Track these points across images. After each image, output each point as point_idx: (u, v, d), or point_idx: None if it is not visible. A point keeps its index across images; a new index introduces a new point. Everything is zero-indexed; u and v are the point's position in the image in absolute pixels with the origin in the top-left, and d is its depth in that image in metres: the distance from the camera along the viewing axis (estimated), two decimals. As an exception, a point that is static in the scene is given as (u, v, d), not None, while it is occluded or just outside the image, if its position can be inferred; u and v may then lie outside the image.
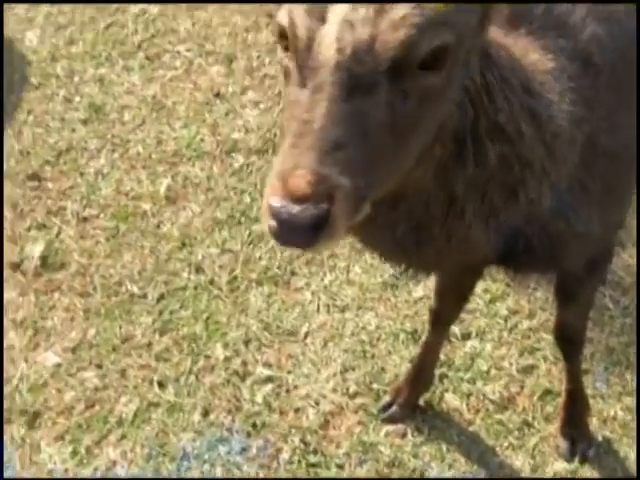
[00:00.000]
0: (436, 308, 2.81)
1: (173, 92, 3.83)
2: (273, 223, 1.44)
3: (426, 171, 1.74)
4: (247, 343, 3.18)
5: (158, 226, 3.46)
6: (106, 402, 3.08)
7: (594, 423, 3.03)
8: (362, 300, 3.27)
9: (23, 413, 3.06)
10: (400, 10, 1.49)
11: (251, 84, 3.84)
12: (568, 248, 2.14)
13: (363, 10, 1.50)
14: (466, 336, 3.16)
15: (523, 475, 2.95)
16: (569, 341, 2.79)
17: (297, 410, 3.05)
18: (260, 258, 3.36)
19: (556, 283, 2.57)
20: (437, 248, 1.93)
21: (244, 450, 2.99)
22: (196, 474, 2.94)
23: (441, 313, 2.82)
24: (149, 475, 2.95)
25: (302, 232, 1.43)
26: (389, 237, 1.90)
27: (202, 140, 3.67)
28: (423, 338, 3.02)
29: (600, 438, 3.02)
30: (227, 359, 3.15)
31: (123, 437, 3.01)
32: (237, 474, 2.94)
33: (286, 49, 1.60)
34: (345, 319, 3.23)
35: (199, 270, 3.35)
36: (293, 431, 3.01)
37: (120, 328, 3.22)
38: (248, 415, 3.04)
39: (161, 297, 3.29)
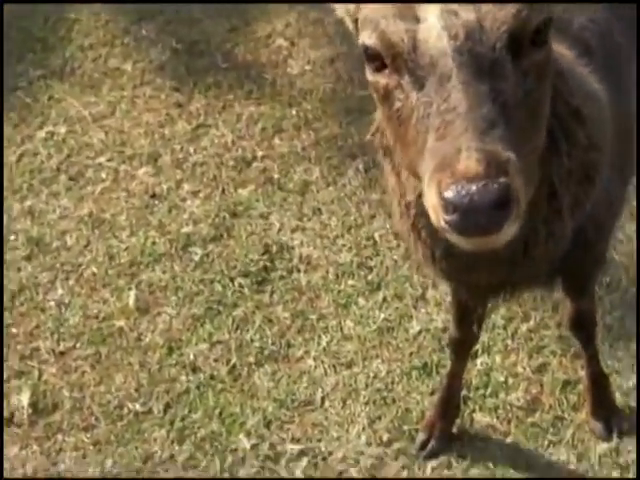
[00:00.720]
0: (458, 336, 2.89)
1: (108, 205, 3.84)
2: (452, 217, 1.39)
3: (535, 163, 1.76)
4: (268, 425, 3.20)
5: (139, 339, 3.45)
6: (149, 526, 3.05)
7: (618, 398, 3.16)
8: (364, 351, 3.33)
9: None
10: None
11: (183, 176, 3.88)
12: (607, 233, 2.27)
13: None
14: (474, 355, 3.25)
15: (572, 466, 3.06)
16: (585, 329, 2.91)
17: (340, 474, 3.09)
18: (252, 340, 3.40)
19: (566, 282, 2.66)
20: (540, 252, 1.98)
21: (303, 529, 3.01)
22: None
23: (464, 340, 2.90)
24: None
25: (489, 213, 1.38)
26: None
27: (154, 243, 3.69)
28: (444, 370, 3.10)
29: (628, 410, 3.16)
30: (254, 447, 3.16)
31: None
32: None
33: (379, 68, 1.61)
34: (354, 374, 3.29)
35: (196, 369, 3.36)
36: (344, 496, 3.05)
37: (137, 449, 3.19)
38: (294, 495, 3.06)
39: (167, 407, 3.28)
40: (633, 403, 3.17)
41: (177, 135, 4.01)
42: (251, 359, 3.36)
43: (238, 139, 3.95)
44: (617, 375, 3.22)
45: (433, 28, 1.53)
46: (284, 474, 3.10)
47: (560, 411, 3.15)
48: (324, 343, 3.36)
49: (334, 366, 3.31)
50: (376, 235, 3.60)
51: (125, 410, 3.29)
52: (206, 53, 4.29)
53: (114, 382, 3.36)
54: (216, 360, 3.37)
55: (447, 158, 1.42)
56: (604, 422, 3.11)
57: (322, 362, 3.32)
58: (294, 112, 4.02)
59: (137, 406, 3.29)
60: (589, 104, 1.98)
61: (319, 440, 3.16)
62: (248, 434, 3.19)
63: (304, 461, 3.12)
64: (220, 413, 3.25)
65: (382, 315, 3.40)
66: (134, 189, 3.88)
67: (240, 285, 3.53)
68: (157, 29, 4.40)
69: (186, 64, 4.26)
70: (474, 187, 1.37)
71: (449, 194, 1.39)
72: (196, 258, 3.63)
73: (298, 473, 3.10)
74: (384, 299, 3.44)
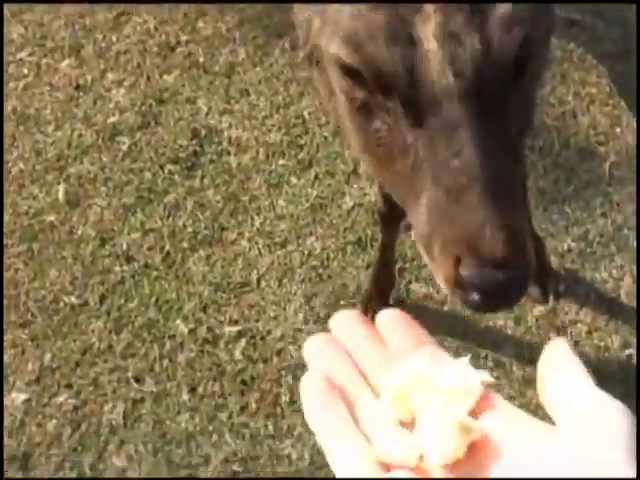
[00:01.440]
0: (386, 209, 2.83)
1: (32, 100, 3.72)
2: (471, 296, 1.28)
3: None
4: (205, 309, 3.17)
5: (71, 232, 3.39)
6: (91, 417, 3.03)
7: (554, 261, 3.15)
8: (298, 229, 3.29)
9: (13, 459, 2.98)
10: (504, 7, 1.28)
11: (107, 66, 3.76)
12: None
13: (459, 16, 1.27)
14: (408, 227, 3.21)
15: (509, 331, 3.05)
16: None
17: (279, 352, 3.07)
18: (184, 226, 3.34)
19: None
20: None
21: (244, 408, 3.00)
22: (208, 448, 2.94)
23: (392, 212, 2.85)
24: (163, 468, 2.94)
25: (510, 295, 1.28)
26: None
27: (80, 135, 3.59)
28: (377, 243, 3.06)
29: (563, 272, 3.15)
30: (192, 331, 3.13)
31: (122, 443, 2.98)
32: (247, 432, 2.95)
33: (357, 81, 1.36)
34: (289, 252, 3.25)
35: (129, 259, 3.30)
36: (283, 373, 3.03)
37: (75, 342, 3.16)
38: (234, 375, 3.04)
39: (102, 298, 3.23)
40: (569, 265, 3.17)
41: (98, 25, 3.88)
42: (185, 245, 3.31)
43: (161, 25, 3.83)
44: (552, 238, 3.21)
45: (434, 58, 1.29)
46: (223, 356, 3.08)
47: (496, 276, 3.13)
48: (257, 224, 3.32)
49: (268, 246, 3.27)
50: (305, 113, 3.52)
51: (61, 304, 3.25)
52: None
53: (48, 277, 3.31)
54: (150, 248, 3.32)
55: (467, 232, 1.27)
56: (540, 285, 3.10)
57: (256, 243, 3.28)
58: (217, -7, 3.90)
59: (73, 299, 3.24)
60: None
61: (257, 320, 3.14)
62: (185, 319, 3.15)
63: (242, 342, 3.10)
64: (156, 301, 3.21)
65: (314, 192, 3.34)
66: (57, 82, 3.76)
67: (170, 172, 3.46)
68: None
69: (103, -49, 4.10)
70: (500, 275, 1.24)
71: (471, 276, 1.26)
72: (124, 147, 3.55)
73: (237, 354, 3.08)
74: (316, 176, 3.39)
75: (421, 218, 1.36)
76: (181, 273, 3.25)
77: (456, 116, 1.28)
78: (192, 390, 3.04)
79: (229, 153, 3.47)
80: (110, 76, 3.74)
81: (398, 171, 1.41)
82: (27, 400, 3.09)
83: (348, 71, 1.37)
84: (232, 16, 3.82)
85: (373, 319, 2.76)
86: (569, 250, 3.19)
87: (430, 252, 1.35)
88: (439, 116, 1.29)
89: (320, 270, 3.20)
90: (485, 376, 0.80)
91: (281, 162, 3.43)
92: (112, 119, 3.62)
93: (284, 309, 3.14)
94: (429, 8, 1.29)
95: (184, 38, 3.78)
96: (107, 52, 3.81)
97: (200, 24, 3.82)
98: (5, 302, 3.26)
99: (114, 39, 3.84)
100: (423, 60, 1.29)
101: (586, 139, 3.42)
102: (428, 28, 1.28)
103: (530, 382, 2.91)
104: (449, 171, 1.28)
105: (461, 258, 1.27)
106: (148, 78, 3.70)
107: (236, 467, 2.93)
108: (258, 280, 3.21)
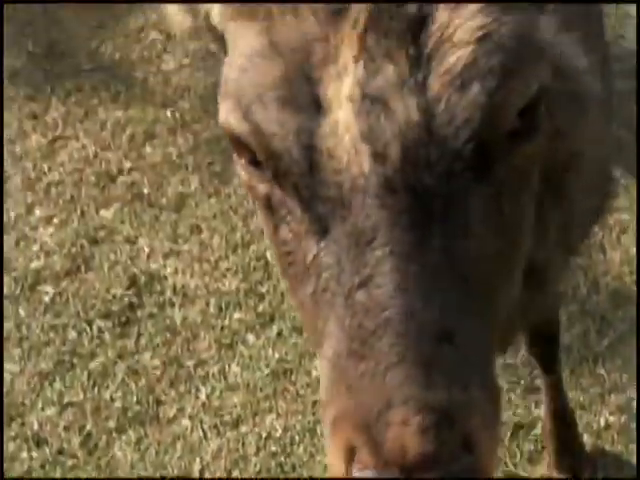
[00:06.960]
0: None
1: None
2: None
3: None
4: (131, 513, 2.24)
5: (-27, 407, 2.48)
6: None
7: (587, 440, 2.23)
8: (255, 404, 2.40)
9: None
10: (464, 46, 0.79)
11: (35, 199, 2.91)
12: None
13: (390, 66, 0.79)
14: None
15: None
16: (547, 340, 2.01)
17: None
18: (112, 399, 2.44)
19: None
20: None
21: None
22: None
23: None
24: None
25: None
26: None
27: (-5, 283, 2.72)
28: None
29: (600, 455, 2.22)
30: None
31: None
32: None
33: (254, 163, 0.90)
34: (242, 435, 2.35)
35: (40, 443, 2.40)
36: None
37: None
38: None
39: (4, 495, 2.31)
40: (608, 447, 2.24)
41: (30, 151, 3.04)
42: (111, 424, 2.40)
43: (102, 150, 2.98)
44: (584, 411, 2.29)
45: (344, 136, 0.81)
46: None
47: (512, 465, 2.20)
48: (203, 397, 2.41)
49: (216, 426, 2.36)
50: (268, 254, 2.64)
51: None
52: (67, 54, 3.30)
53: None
54: (66, 428, 2.41)
55: (367, 410, 0.78)
56: (571, 475, 2.19)
57: (201, 422, 2.37)
58: (169, 114, 3.05)
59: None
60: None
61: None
62: (104, 528, 2.23)
63: None
64: (69, 500, 2.28)
65: (277, 355, 2.45)
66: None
67: (99, 329, 2.57)
68: (13, 32, 3.42)
69: (44, 69, 3.28)
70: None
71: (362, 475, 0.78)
72: (46, 298, 2.67)
73: None
74: (279, 334, 2.49)
75: (322, 377, 0.89)
76: (104, 462, 2.34)
77: (369, 222, 0.82)
78: None
79: (173, 305, 2.58)
80: (38, 212, 2.88)
81: (303, 301, 0.93)
82: None
83: (239, 145, 0.91)
84: (185, 138, 2.98)
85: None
86: (607, 426, 2.26)
87: (326, 426, 0.86)
88: (347, 221, 0.83)
89: (281, 458, 2.28)
90: None
91: (237, 316, 2.55)
92: (35, 264, 2.75)
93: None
94: (347, 50, 0.78)
95: (128, 165, 2.93)
96: (37, 183, 2.96)
97: (147, 149, 2.97)
98: None
99: (45, 168, 2.98)
100: (329, 135, 0.81)
101: (619, 278, 2.52)
102: (342, 86, 0.79)
103: None
104: (353, 309, 0.82)
105: (355, 449, 0.80)
106: (82, 213, 2.83)
107: None
108: (201, 472, 2.29)
